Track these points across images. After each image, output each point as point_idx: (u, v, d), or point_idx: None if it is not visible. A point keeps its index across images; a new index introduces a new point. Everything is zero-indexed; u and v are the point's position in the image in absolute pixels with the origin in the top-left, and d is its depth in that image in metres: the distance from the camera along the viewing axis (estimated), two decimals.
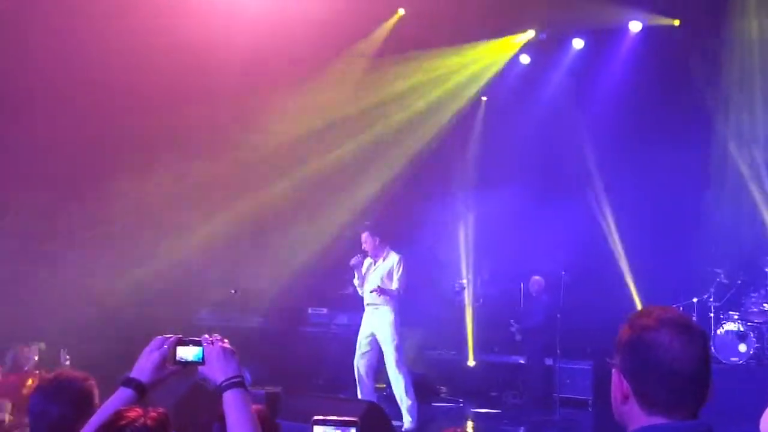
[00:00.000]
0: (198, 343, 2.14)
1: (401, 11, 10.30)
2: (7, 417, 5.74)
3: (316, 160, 10.67)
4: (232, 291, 10.42)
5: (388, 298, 7.48)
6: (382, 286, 7.46)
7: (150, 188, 9.56)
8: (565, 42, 10.81)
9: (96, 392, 2.61)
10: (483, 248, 11.27)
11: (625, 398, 1.69)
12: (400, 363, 7.47)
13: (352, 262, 7.61)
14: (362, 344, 7.65)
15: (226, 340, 2.16)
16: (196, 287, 10.31)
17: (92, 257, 9.35)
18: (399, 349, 7.49)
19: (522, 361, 9.84)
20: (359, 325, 7.81)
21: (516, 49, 10.89)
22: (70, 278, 9.10)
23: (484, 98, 11.96)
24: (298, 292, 10.47)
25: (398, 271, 7.51)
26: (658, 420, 1.64)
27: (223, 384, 2.07)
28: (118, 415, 1.98)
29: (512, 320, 9.79)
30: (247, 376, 9.02)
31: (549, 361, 9.32)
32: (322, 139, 10.63)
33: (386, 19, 10.38)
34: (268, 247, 10.33)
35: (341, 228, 10.32)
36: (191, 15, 8.97)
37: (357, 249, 7.69)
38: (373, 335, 7.60)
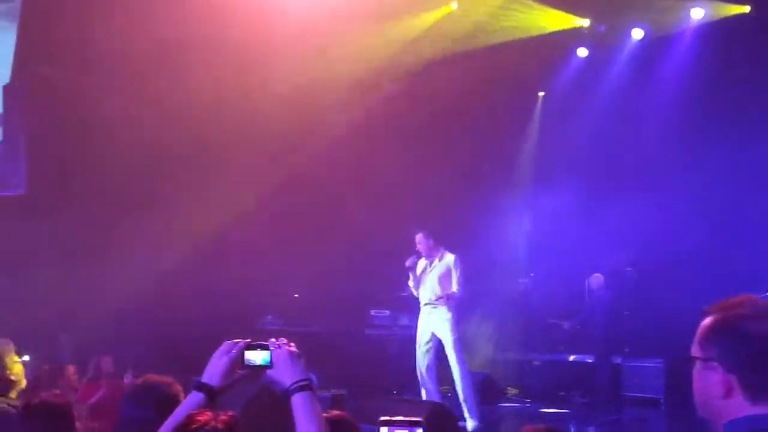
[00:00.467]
0: (265, 347, 2.16)
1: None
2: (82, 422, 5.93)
3: (373, 161, 10.69)
4: (295, 295, 10.56)
5: (448, 298, 7.46)
6: (440, 288, 7.44)
7: (210, 194, 9.78)
8: (625, 33, 10.57)
9: (182, 397, 2.67)
10: (544, 245, 11.11)
11: (728, 392, 1.63)
12: (461, 361, 7.40)
13: (408, 263, 7.58)
14: (422, 345, 7.62)
15: (292, 344, 2.18)
16: (260, 292, 10.48)
17: (157, 262, 9.61)
18: (460, 347, 7.42)
19: (589, 360, 9.66)
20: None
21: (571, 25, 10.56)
22: (134, 284, 9.39)
23: (541, 93, 11.79)
24: (360, 294, 10.53)
25: (456, 272, 7.47)
26: (765, 409, 1.60)
27: (291, 387, 2.09)
28: (189, 418, 2.02)
29: (563, 320, 9.66)
30: (314, 379, 9.12)
31: (617, 360, 9.12)
32: (377, 140, 10.65)
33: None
34: (330, 250, 10.40)
35: (400, 229, 10.33)
36: (238, 20, 9.13)
37: (414, 250, 7.68)
38: (432, 335, 7.56)
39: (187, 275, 9.66)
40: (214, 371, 2.16)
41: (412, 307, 9.73)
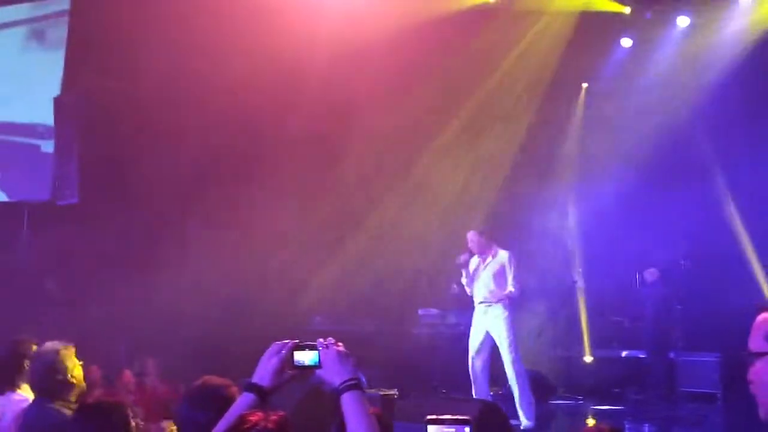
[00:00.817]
0: (314, 347, 2.19)
1: None
2: (136, 422, 6.05)
3: (418, 160, 10.68)
4: (344, 296, 10.61)
5: (500, 295, 7.38)
6: (495, 286, 7.39)
7: (264, 196, 9.91)
8: (670, 20, 10.34)
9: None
10: (594, 240, 10.95)
11: None
12: (516, 360, 7.34)
13: (459, 260, 7.55)
14: (475, 343, 7.57)
15: (340, 344, 2.20)
16: (308, 293, 10.57)
17: (207, 266, 9.76)
18: (514, 345, 7.36)
19: (642, 356, 9.49)
20: (470, 324, 7.75)
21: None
22: (183, 288, 9.56)
23: (584, 84, 11.61)
24: (407, 293, 10.53)
25: (511, 270, 7.40)
26: None
27: (341, 386, 2.11)
28: (241, 419, 2.05)
29: (621, 315, 9.51)
30: (363, 379, 9.16)
31: (671, 354, 8.94)
32: (423, 139, 10.64)
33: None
34: (377, 249, 10.43)
35: (446, 228, 10.29)
36: (284, 27, 9.22)
37: (463, 248, 7.65)
38: (486, 333, 7.51)
39: (236, 277, 9.78)
40: (264, 372, 2.20)
41: (460, 305, 9.70)
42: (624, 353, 9.97)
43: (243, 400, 2.18)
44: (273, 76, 9.58)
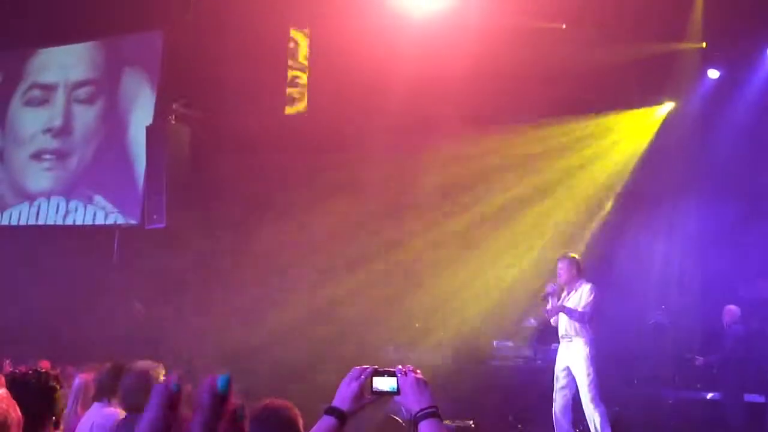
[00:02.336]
0: (393, 374, 2.21)
1: None
2: None
3: (497, 195, 10.60)
4: (416, 325, 10.59)
5: (579, 327, 7.19)
6: (569, 323, 7.21)
7: (336, 224, 10.06)
8: (761, 48, 10.03)
9: (301, 421, 2.78)
10: (681, 274, 10.57)
11: None
12: (596, 399, 7.09)
13: (548, 289, 7.34)
14: (559, 378, 7.35)
15: (419, 371, 2.22)
16: (381, 322, 10.60)
17: (284, 289, 9.95)
18: (595, 383, 7.10)
19: (716, 398, 9.10)
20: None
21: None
22: (262, 309, 9.76)
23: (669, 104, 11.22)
24: (483, 324, 10.42)
25: (587, 297, 7.19)
26: None
27: (419, 414, 2.13)
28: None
29: (697, 356, 9.13)
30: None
31: (754, 398, 8.54)
32: (505, 170, 10.54)
33: None
34: (452, 280, 10.39)
35: (523, 260, 10.18)
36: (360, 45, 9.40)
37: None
38: (568, 369, 7.30)
39: (311, 303, 9.92)
40: (344, 396, 2.22)
41: (537, 339, 9.55)
42: (709, 395, 9.56)
43: (323, 423, 2.22)
44: (351, 90, 9.76)
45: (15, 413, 1.71)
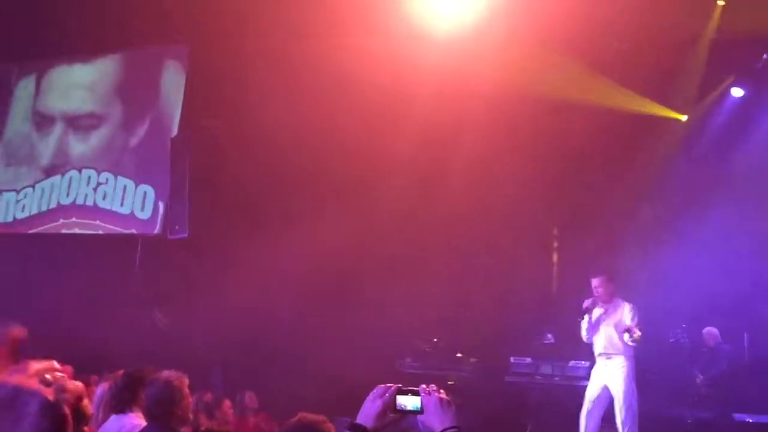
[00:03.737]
0: (416, 393, 2.24)
1: None
2: None
3: (521, 205, 10.57)
4: (434, 339, 10.58)
5: (622, 347, 7.12)
6: (618, 338, 7.12)
7: (355, 235, 10.09)
8: None
9: None
10: (701, 293, 10.47)
11: None
12: (633, 425, 6.96)
13: (586, 304, 7.24)
14: (591, 396, 7.26)
15: (442, 391, 2.25)
16: (399, 334, 10.61)
17: (303, 301, 9.98)
18: (633, 407, 7.00)
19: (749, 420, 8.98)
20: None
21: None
22: (281, 321, 9.79)
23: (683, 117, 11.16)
24: (500, 339, 10.39)
25: (635, 316, 7.11)
26: None
27: None
28: None
29: (698, 372, 9.07)
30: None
31: (743, 417, 8.51)
32: (524, 184, 10.52)
33: None
34: (470, 294, 10.39)
35: (543, 277, 10.15)
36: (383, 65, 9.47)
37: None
38: (604, 388, 7.20)
39: (328, 316, 9.96)
40: (368, 413, 2.24)
41: (555, 355, 9.50)
42: (750, 418, 9.44)
43: None
44: (375, 108, 9.83)
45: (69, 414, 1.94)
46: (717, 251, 9.78)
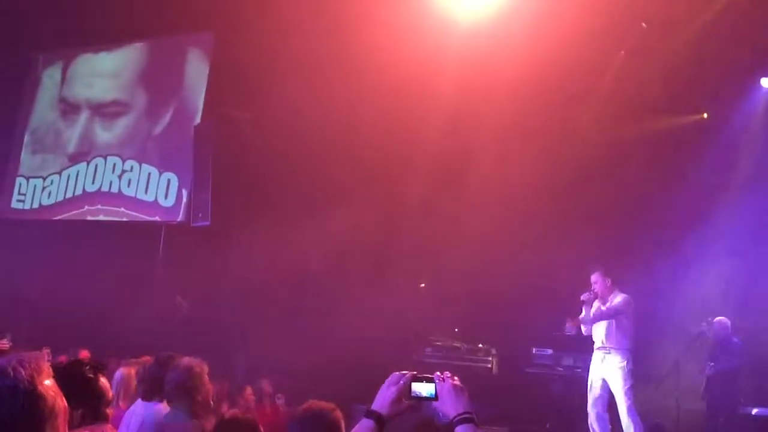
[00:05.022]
0: (431, 380, 2.26)
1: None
2: None
3: (541, 200, 10.50)
4: (455, 329, 10.57)
5: (617, 339, 7.14)
6: (613, 333, 7.16)
7: (380, 223, 10.10)
8: None
9: (342, 423, 2.81)
10: (726, 289, 10.33)
11: None
12: (631, 409, 7.03)
13: (584, 297, 7.30)
14: (593, 389, 7.32)
15: (456, 378, 2.27)
16: (421, 324, 10.61)
17: (326, 288, 10.01)
18: (631, 394, 7.06)
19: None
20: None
21: None
22: (301, 311, 9.84)
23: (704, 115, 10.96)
24: (522, 331, 10.35)
25: (618, 305, 7.15)
26: None
27: (455, 419, 2.18)
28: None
29: (711, 363, 9.01)
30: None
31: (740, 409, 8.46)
32: (547, 179, 10.44)
33: None
34: (493, 286, 10.33)
35: (566, 267, 10.05)
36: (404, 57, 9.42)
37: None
38: (603, 381, 7.26)
39: (350, 305, 9.97)
40: (383, 400, 2.27)
41: (576, 347, 9.43)
42: (754, 411, 9.33)
43: (362, 426, 2.26)
44: (397, 100, 9.80)
45: (62, 402, 1.76)
46: (745, 248, 9.66)
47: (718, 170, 10.50)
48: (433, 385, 2.25)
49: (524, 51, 9.13)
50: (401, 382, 2.27)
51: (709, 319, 10.41)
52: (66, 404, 1.75)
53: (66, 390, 2.60)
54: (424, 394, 2.25)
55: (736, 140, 10.35)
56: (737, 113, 10.51)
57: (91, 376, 2.76)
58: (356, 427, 2.27)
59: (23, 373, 1.67)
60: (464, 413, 2.18)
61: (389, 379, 2.30)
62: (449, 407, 2.20)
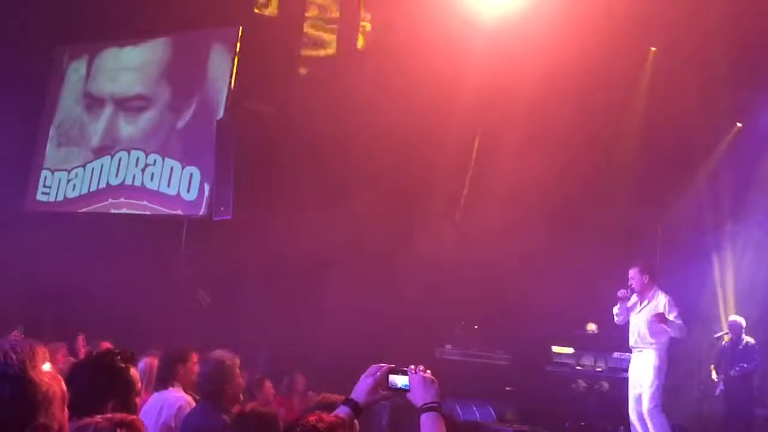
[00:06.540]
0: (405, 373, 2.46)
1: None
2: None
3: (561, 197, 10.43)
4: (475, 327, 10.54)
5: (651, 340, 7.08)
6: (648, 332, 7.07)
7: (402, 224, 10.11)
8: None
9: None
10: (746, 292, 10.20)
11: None
12: (657, 408, 6.96)
13: (620, 294, 7.21)
14: (632, 390, 7.27)
15: (428, 371, 2.47)
16: (440, 321, 10.59)
17: (347, 286, 10.03)
18: (658, 393, 6.98)
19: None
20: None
21: None
22: (326, 307, 9.86)
23: (738, 124, 10.84)
24: (542, 329, 10.29)
25: (671, 310, 7.02)
26: None
27: (422, 407, 2.39)
28: (300, 417, 2.34)
29: (717, 370, 8.94)
30: (491, 411, 9.03)
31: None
32: (569, 179, 10.36)
33: None
34: (513, 283, 10.28)
35: (587, 267, 9.98)
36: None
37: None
38: (638, 380, 7.20)
39: (370, 301, 9.97)
40: (360, 389, 2.47)
41: (596, 346, 9.38)
42: None
43: (340, 412, 2.42)
44: (419, 97, 9.79)
45: (59, 387, 1.68)
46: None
47: (744, 169, 10.40)
48: (407, 377, 2.44)
49: (548, 45, 9.09)
50: (378, 373, 2.46)
51: (730, 320, 10.32)
52: (65, 390, 1.69)
53: (97, 380, 2.64)
54: (399, 385, 2.45)
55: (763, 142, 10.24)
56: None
57: (123, 365, 2.75)
58: (334, 412, 2.40)
59: (14, 358, 1.60)
60: (431, 402, 2.37)
61: (368, 370, 2.48)
62: (418, 397, 2.40)
